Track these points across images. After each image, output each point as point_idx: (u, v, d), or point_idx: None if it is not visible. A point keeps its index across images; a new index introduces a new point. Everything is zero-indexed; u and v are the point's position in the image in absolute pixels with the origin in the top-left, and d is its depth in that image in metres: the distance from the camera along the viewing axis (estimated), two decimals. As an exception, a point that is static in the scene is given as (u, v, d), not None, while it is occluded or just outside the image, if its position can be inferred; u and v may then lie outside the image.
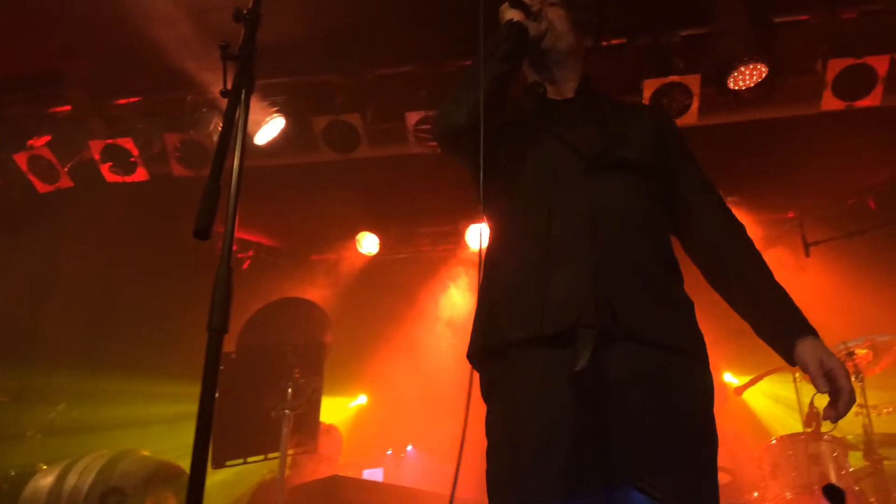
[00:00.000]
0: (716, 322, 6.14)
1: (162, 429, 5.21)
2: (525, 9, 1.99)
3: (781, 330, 1.83)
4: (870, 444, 4.19)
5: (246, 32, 1.83)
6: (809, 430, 4.26)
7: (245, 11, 1.85)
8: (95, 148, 5.39)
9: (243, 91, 1.78)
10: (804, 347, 1.78)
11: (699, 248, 2.00)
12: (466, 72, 1.96)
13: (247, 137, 1.77)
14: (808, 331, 1.80)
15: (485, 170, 1.84)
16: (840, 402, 1.75)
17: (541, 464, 1.67)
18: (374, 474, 5.70)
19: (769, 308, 1.86)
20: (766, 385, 5.15)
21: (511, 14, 2.00)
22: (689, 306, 1.87)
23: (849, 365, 4.33)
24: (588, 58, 4.72)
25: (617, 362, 1.71)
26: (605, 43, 4.82)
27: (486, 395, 1.87)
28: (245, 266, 7.17)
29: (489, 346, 1.84)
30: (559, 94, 2.12)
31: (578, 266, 1.77)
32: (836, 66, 4.43)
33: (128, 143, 5.34)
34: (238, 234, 7.09)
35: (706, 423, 1.77)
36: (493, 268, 1.94)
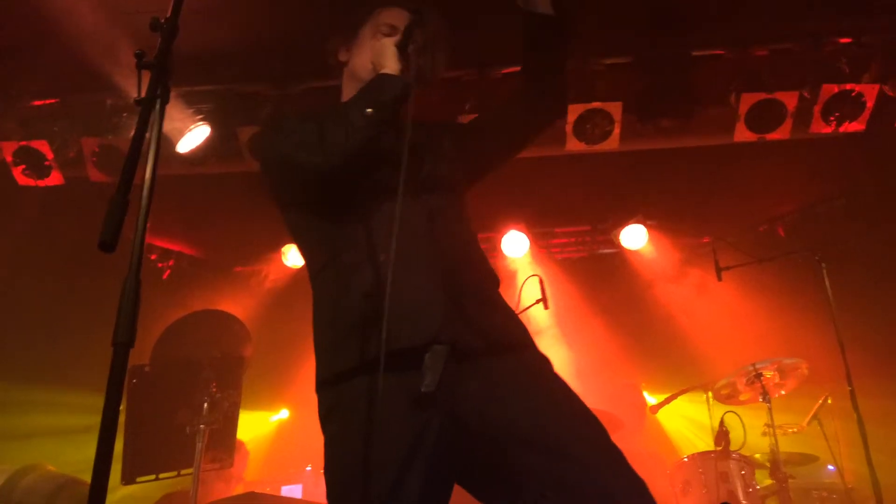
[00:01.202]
0: (633, 341, 6.33)
1: (70, 442, 5.00)
2: (407, 61, 2.00)
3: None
4: (776, 463, 4.37)
5: (162, 42, 1.80)
6: (719, 448, 4.41)
7: (162, 21, 1.83)
8: (8, 149, 5.17)
9: (157, 101, 1.75)
10: None
11: (527, 91, 2.10)
12: (341, 114, 1.94)
13: (161, 146, 1.74)
14: None
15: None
16: None
17: (396, 490, 1.60)
18: (292, 491, 5.59)
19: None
20: (679, 404, 5.31)
21: (394, 64, 1.98)
22: (513, 310, 1.94)
23: (756, 386, 4.51)
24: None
25: (473, 373, 1.71)
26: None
27: (326, 419, 1.80)
28: (165, 276, 6.98)
29: (339, 371, 1.77)
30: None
31: (424, 283, 1.79)
32: (748, 100, 4.64)
33: (43, 146, 5.13)
34: (159, 242, 6.97)
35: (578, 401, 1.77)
36: (329, 293, 1.90)
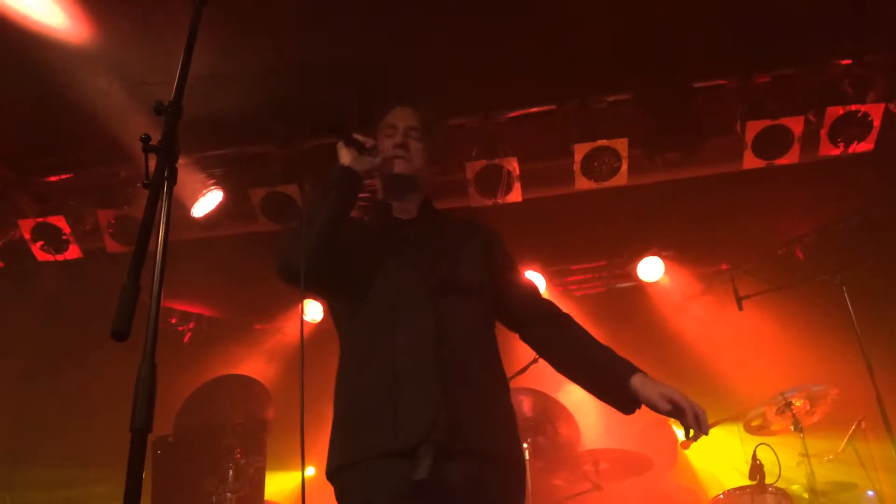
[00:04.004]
0: (658, 375, 6.24)
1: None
2: (358, 146, 2.21)
3: (615, 376, 2.08)
4: (814, 493, 4.25)
5: (166, 126, 1.83)
6: (754, 482, 4.30)
7: (166, 104, 1.86)
8: (26, 227, 5.25)
9: (165, 183, 1.77)
10: (637, 381, 2.04)
11: (539, 340, 2.30)
12: (301, 215, 2.17)
13: (173, 213, 1.75)
14: (636, 370, 2.06)
15: (332, 293, 2.19)
16: (689, 417, 1.97)
17: None
18: (324, 552, 5.52)
19: (602, 364, 2.13)
20: (709, 438, 5.19)
21: (344, 154, 2.22)
22: (511, 416, 2.14)
23: (787, 416, 4.42)
24: (519, 124, 4.82)
25: (452, 471, 1.93)
26: (535, 110, 4.98)
27: (340, 499, 2.06)
28: (186, 339, 7.00)
29: (346, 462, 2.03)
30: (404, 213, 2.38)
31: (425, 387, 1.99)
32: (754, 128, 4.64)
33: (59, 221, 5.22)
34: (179, 306, 7.00)
35: None
36: (346, 388, 2.14)
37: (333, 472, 2.08)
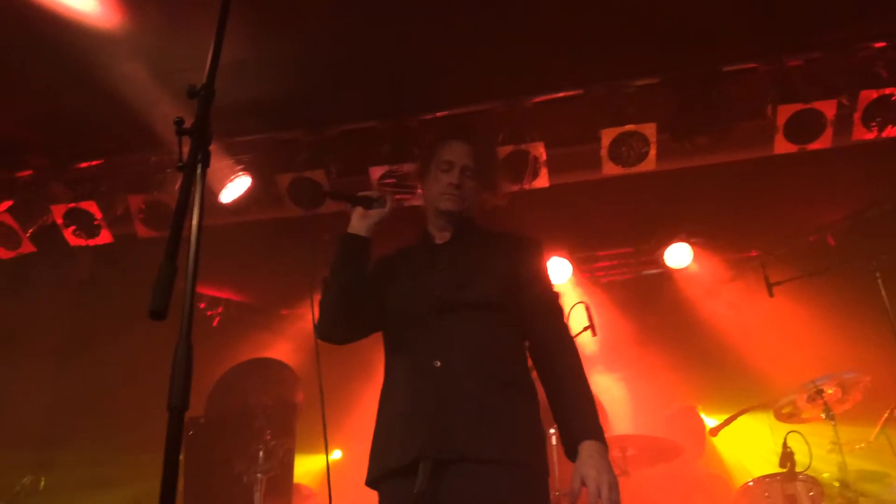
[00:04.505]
0: (686, 363, 6.20)
1: (130, 500, 5.07)
2: (365, 202, 2.41)
3: (568, 432, 2.16)
4: (845, 482, 4.21)
5: (200, 109, 1.85)
6: (784, 470, 4.27)
7: (199, 87, 1.87)
8: (58, 212, 5.33)
9: (199, 165, 1.79)
10: (581, 448, 2.09)
11: (536, 358, 2.37)
12: (324, 284, 2.41)
13: (205, 201, 1.76)
14: (588, 438, 2.10)
15: (367, 333, 2.42)
16: (590, 496, 2.02)
17: None
18: (351, 534, 5.57)
19: (566, 417, 2.20)
20: (739, 426, 5.16)
21: (353, 216, 2.43)
22: (515, 419, 2.19)
23: (818, 403, 4.38)
24: (546, 109, 4.78)
25: (450, 481, 2.07)
26: (562, 94, 4.95)
27: None
28: (215, 323, 7.09)
29: (371, 480, 2.26)
30: (441, 237, 2.53)
31: (422, 404, 2.15)
32: (785, 112, 4.55)
33: (91, 207, 5.29)
34: (207, 291, 7.08)
35: None
36: (378, 408, 2.34)
37: (369, 485, 2.29)
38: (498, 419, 2.14)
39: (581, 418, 2.14)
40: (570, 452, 2.13)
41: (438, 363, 2.19)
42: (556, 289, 2.48)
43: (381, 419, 2.29)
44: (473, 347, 2.24)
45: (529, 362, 2.38)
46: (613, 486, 2.02)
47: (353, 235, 2.40)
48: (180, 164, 1.81)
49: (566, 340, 2.33)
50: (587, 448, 2.07)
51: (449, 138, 2.56)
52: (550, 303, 2.41)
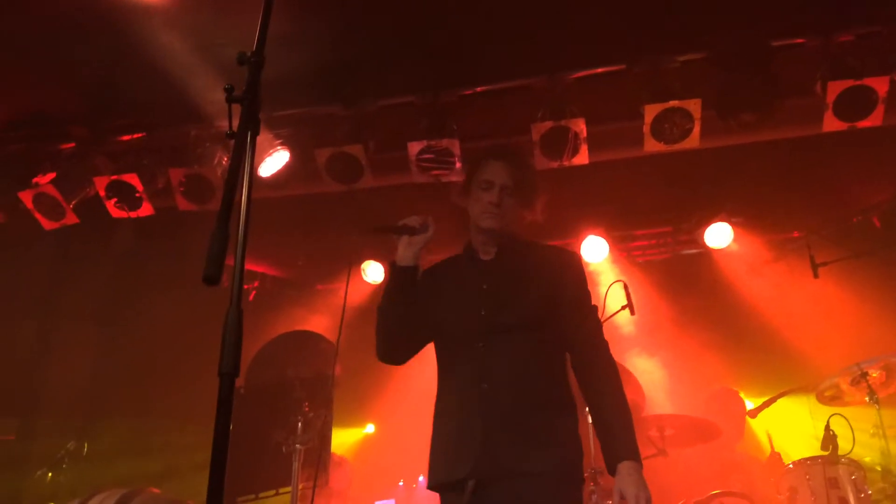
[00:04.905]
0: (726, 344, 6.11)
1: (171, 466, 5.17)
2: (409, 231, 2.53)
3: (610, 451, 2.37)
4: (887, 468, 4.14)
5: (250, 76, 1.84)
6: (826, 452, 4.21)
7: (249, 55, 1.86)
8: (100, 184, 5.40)
9: (249, 134, 1.79)
10: (620, 468, 2.30)
11: (579, 376, 2.54)
12: (379, 306, 2.59)
13: (254, 178, 1.76)
14: (628, 458, 2.31)
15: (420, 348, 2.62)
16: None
17: None
18: (385, 506, 5.64)
19: (608, 436, 2.41)
20: (779, 408, 5.10)
21: (400, 245, 2.55)
22: (556, 436, 2.40)
23: (862, 386, 4.30)
24: (587, 85, 4.71)
25: (493, 495, 2.31)
26: (604, 69, 4.87)
27: None
28: (251, 298, 7.17)
29: (431, 485, 2.49)
30: (486, 253, 2.66)
31: (470, 427, 2.36)
32: (835, 88, 4.42)
33: (133, 179, 5.35)
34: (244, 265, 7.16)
35: None
36: (434, 421, 2.56)
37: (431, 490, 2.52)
38: (540, 437, 2.37)
39: (622, 440, 2.36)
40: (611, 468, 2.34)
41: (485, 385, 2.39)
42: (594, 303, 2.64)
43: (435, 432, 2.51)
44: (518, 370, 2.43)
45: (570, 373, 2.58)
46: (649, 501, 2.25)
47: (403, 267, 2.55)
48: (229, 132, 1.82)
49: (607, 362, 2.51)
50: (627, 467, 2.30)
51: (489, 158, 2.67)
52: (592, 323, 2.60)
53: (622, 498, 2.25)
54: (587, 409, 2.56)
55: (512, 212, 2.62)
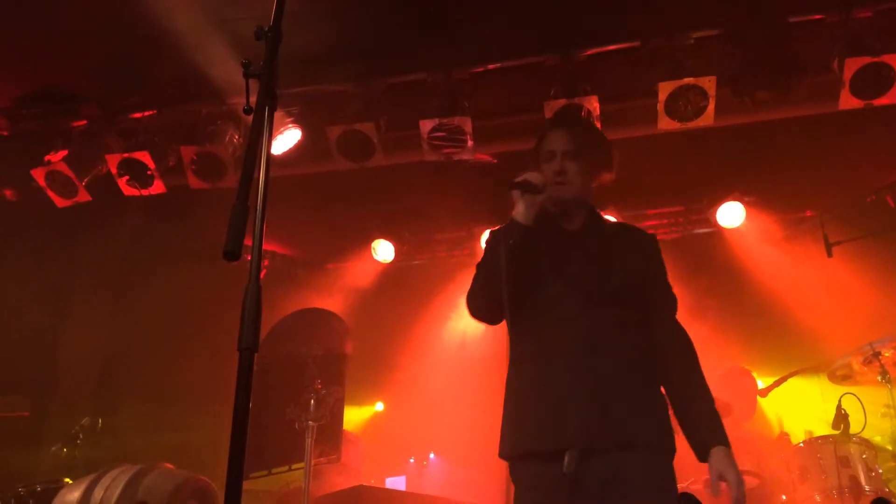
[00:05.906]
0: (738, 323, 6.09)
1: (185, 441, 5.22)
2: (532, 188, 2.42)
3: (699, 439, 2.36)
4: (897, 446, 4.15)
5: (267, 50, 1.83)
6: (837, 432, 4.22)
7: (266, 29, 1.85)
8: (112, 162, 5.41)
9: (266, 109, 1.78)
10: (714, 453, 2.30)
11: (662, 359, 2.49)
12: (486, 262, 2.49)
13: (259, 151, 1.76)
14: (719, 443, 2.31)
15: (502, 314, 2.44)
16: (733, 494, 2.26)
17: None
18: (396, 483, 5.68)
19: (696, 424, 2.39)
20: (790, 387, 5.10)
21: (519, 202, 2.44)
22: (654, 410, 2.40)
23: (875, 366, 4.30)
24: (600, 62, 4.68)
25: (595, 464, 2.26)
26: (617, 46, 4.82)
27: (515, 482, 2.44)
28: (262, 275, 7.17)
29: (509, 454, 2.42)
30: (570, 224, 2.61)
31: (576, 399, 2.30)
32: (853, 65, 4.37)
33: (144, 157, 5.35)
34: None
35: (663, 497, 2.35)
36: (508, 388, 2.48)
37: (504, 457, 2.45)
38: (646, 410, 2.38)
39: (713, 426, 2.36)
40: (702, 454, 2.35)
41: (592, 361, 2.35)
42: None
43: (523, 402, 2.42)
44: (621, 345, 2.41)
45: None
46: (743, 482, 2.29)
47: (526, 226, 2.44)
48: (247, 107, 1.82)
49: (689, 346, 2.50)
50: (723, 451, 2.31)
51: (548, 130, 2.67)
52: (674, 305, 2.59)
53: (720, 479, 2.29)
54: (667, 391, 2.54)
55: (580, 177, 2.56)
